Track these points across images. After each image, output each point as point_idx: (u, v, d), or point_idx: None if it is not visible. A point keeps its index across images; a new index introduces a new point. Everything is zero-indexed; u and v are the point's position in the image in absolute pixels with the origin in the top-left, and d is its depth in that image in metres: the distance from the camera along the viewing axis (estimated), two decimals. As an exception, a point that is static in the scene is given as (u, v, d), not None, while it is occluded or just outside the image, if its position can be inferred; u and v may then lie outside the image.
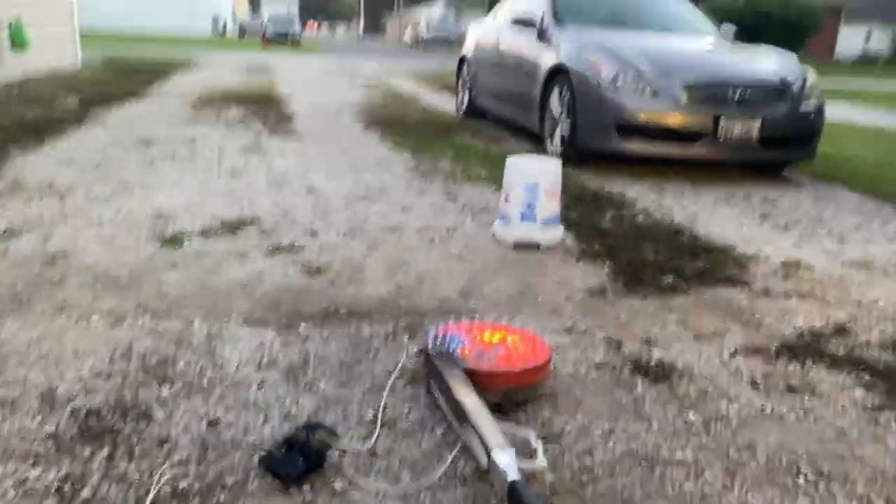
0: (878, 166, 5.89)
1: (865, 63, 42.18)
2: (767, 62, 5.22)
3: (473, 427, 1.54)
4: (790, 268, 3.13)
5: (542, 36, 5.89)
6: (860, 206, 4.42)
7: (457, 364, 1.80)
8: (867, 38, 52.10)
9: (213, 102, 7.85)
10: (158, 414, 1.73)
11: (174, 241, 3.03)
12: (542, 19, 5.98)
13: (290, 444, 1.52)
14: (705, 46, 5.71)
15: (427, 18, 47.98)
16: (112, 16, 31.48)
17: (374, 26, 71.93)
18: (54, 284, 2.51)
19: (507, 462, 1.40)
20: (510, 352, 1.91)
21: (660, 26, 6.13)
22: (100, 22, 26.36)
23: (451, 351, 1.86)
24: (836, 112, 7.76)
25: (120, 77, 10.33)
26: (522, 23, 6.18)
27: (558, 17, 5.96)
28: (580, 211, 3.81)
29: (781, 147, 4.87)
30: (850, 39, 48.50)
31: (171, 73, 11.64)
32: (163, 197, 3.72)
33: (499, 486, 1.40)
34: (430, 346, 1.90)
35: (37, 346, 2.03)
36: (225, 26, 47.47)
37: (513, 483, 1.34)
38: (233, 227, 3.25)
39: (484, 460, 1.49)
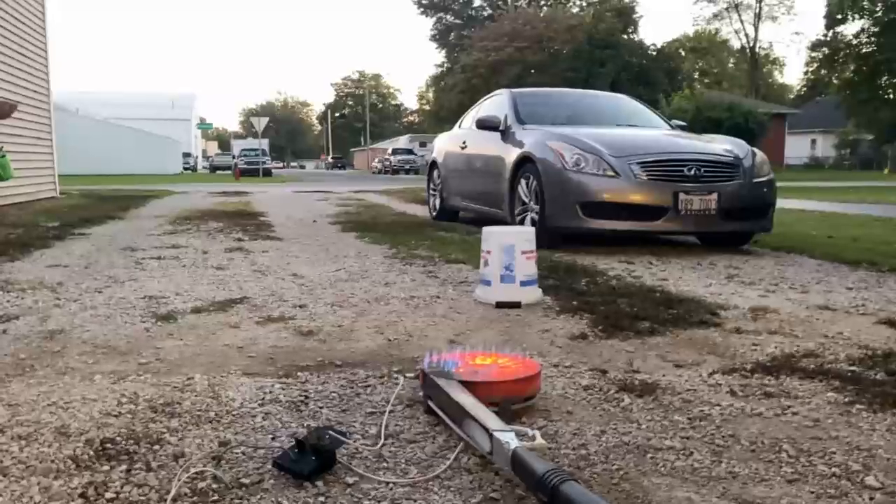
0: (831, 238, 6.23)
1: (814, 167, 44.26)
2: (719, 143, 5.62)
3: (473, 418, 1.64)
4: (758, 312, 3.30)
5: (505, 136, 6.28)
6: (819, 267, 4.67)
7: (453, 377, 1.90)
8: (812, 145, 55.01)
9: (192, 219, 8.07)
10: (171, 438, 1.79)
11: (168, 317, 3.12)
12: (506, 120, 6.40)
13: (302, 444, 1.60)
14: (660, 134, 6.12)
15: (394, 149, 49.92)
16: (85, 161, 32.14)
17: (341, 160, 74.23)
18: (55, 354, 2.58)
19: (509, 436, 1.49)
20: (502, 368, 2.03)
21: (615, 123, 6.57)
22: (71, 166, 26.87)
23: (446, 370, 1.97)
24: (788, 203, 8.20)
25: (98, 203, 10.57)
26: (487, 126, 6.58)
27: (520, 118, 6.39)
28: (556, 278, 4.00)
29: (740, 219, 5.17)
30: (798, 146, 51.14)
31: (147, 200, 11.93)
32: (153, 286, 3.83)
33: (502, 460, 1.49)
34: (426, 367, 2.01)
35: (46, 397, 2.09)
36: (196, 163, 48.67)
37: (515, 449, 1.44)
38: (223, 306, 3.36)
39: (486, 445, 1.58)
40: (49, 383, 2.24)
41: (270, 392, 2.17)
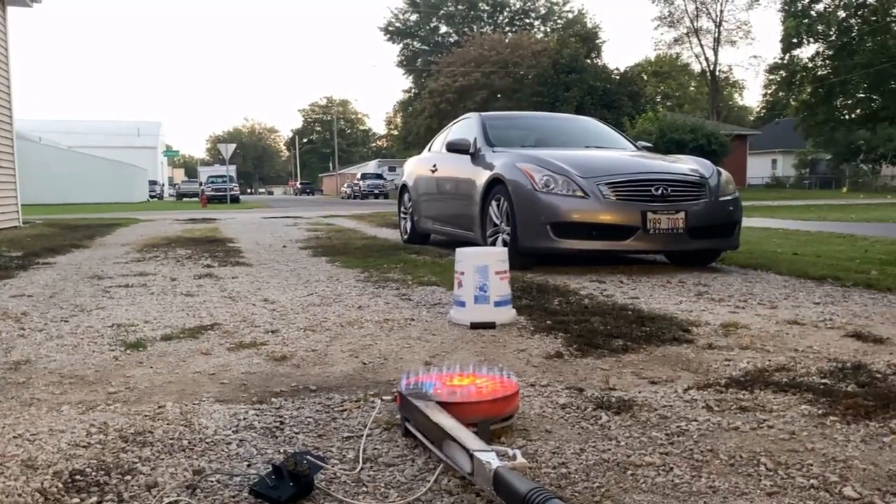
0: (796, 255, 6.34)
1: (775, 187, 45.26)
2: (684, 163, 5.71)
3: (453, 439, 1.62)
4: (729, 328, 3.33)
5: (475, 158, 6.32)
6: (785, 283, 4.75)
7: (431, 398, 1.89)
8: (773, 165, 56.28)
9: (160, 247, 7.97)
10: (143, 468, 1.75)
11: (137, 345, 3.06)
12: (475, 143, 6.43)
13: (280, 471, 1.57)
14: (627, 155, 6.20)
15: (363, 173, 50.02)
16: (49, 190, 31.61)
17: (310, 186, 74.08)
18: (20, 385, 2.50)
19: (490, 456, 1.48)
20: (480, 388, 2.02)
21: (582, 145, 6.65)
22: (34, 195, 26.41)
23: (424, 392, 1.96)
24: (753, 222, 8.35)
25: (63, 233, 10.38)
26: (457, 149, 6.61)
27: (489, 141, 6.43)
28: (529, 298, 4.01)
29: (707, 237, 5.24)
30: (759, 166, 52.32)
31: (113, 228, 11.76)
32: (121, 314, 3.76)
33: (484, 480, 1.48)
34: (403, 389, 1.99)
35: (11, 429, 2.03)
36: (162, 190, 48.18)
37: (497, 469, 1.43)
38: (194, 333, 3.31)
39: (467, 466, 1.56)
40: (14, 415, 2.18)
41: (244, 419, 2.13)
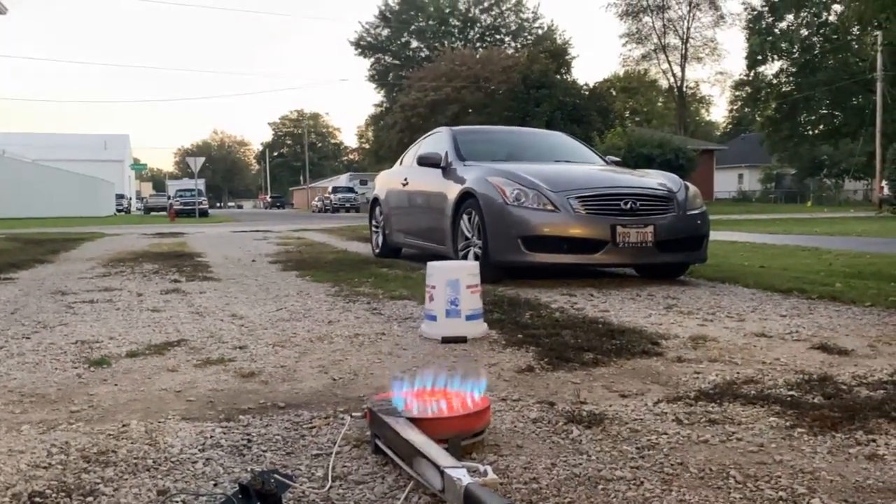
0: (762, 268, 6.44)
1: (742, 201, 46.02)
2: (653, 177, 5.77)
3: (424, 456, 1.60)
4: (698, 340, 3.36)
5: (446, 172, 6.32)
6: (752, 296, 4.81)
7: (401, 414, 1.87)
8: (739, 179, 57.28)
9: (126, 261, 7.84)
10: (106, 489, 1.70)
11: (101, 362, 3.00)
12: (447, 157, 6.44)
13: (247, 490, 1.54)
14: (596, 169, 6.25)
15: (334, 187, 49.91)
16: (12, 204, 31.01)
17: (280, 199, 73.67)
18: (-22, 404, 2.44)
19: (461, 473, 1.47)
20: (450, 403, 2.00)
21: (552, 159, 6.69)
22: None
23: (394, 408, 1.94)
24: (720, 236, 8.46)
25: (26, 247, 10.18)
26: (428, 163, 6.61)
27: (461, 155, 6.45)
28: (500, 312, 4.01)
29: (676, 250, 5.29)
30: (726, 180, 53.18)
31: (79, 243, 11.56)
32: (85, 330, 3.69)
33: (455, 498, 1.46)
34: (373, 406, 1.97)
35: (-33, 450, 1.97)
36: (129, 204, 47.52)
37: (468, 486, 1.41)
38: (160, 349, 3.25)
39: (438, 483, 1.54)
40: (-29, 436, 2.11)
41: (211, 437, 2.09)
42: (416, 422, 1.83)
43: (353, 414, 2.13)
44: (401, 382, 2.08)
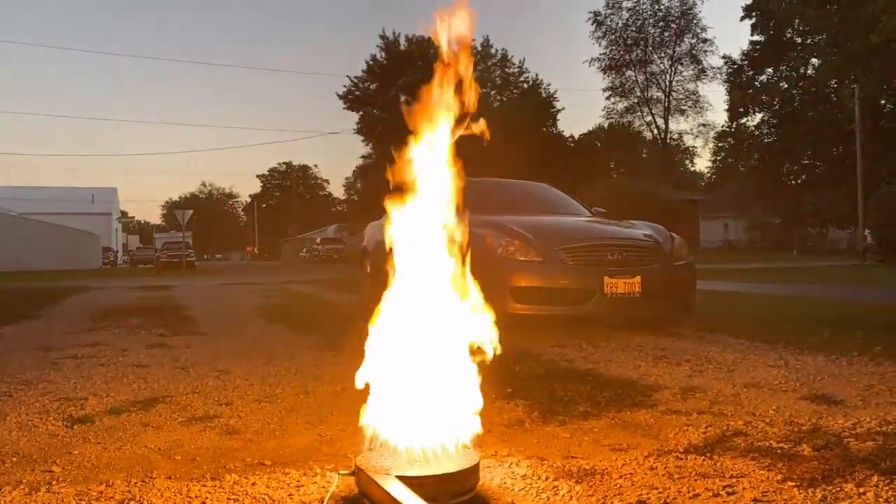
0: (750, 318, 6.47)
1: (728, 250, 46.42)
2: (639, 228, 5.82)
3: (414, 515, 1.58)
4: (688, 392, 3.35)
5: (435, 224, 6.35)
6: (741, 346, 4.81)
7: (390, 472, 1.84)
8: (725, 229, 57.84)
9: (112, 315, 7.78)
10: (85, 553, 1.66)
11: (84, 419, 2.95)
12: (434, 209, 6.48)
13: (231, 553, 1.50)
14: (583, 220, 6.30)
15: (322, 238, 50.19)
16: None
17: (269, 250, 73.64)
18: (-43, 465, 2.38)
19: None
20: (440, 461, 1.98)
21: (539, 211, 6.74)
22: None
23: (383, 465, 1.91)
24: (707, 286, 8.52)
25: (12, 301, 10.08)
26: (416, 215, 6.63)
27: (448, 206, 6.48)
28: (489, 362, 3.98)
29: (663, 301, 5.31)
30: (712, 230, 53.67)
31: (64, 297, 11.45)
32: (68, 387, 3.63)
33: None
34: (361, 464, 1.94)
35: (-56, 514, 1.92)
36: (116, 256, 47.31)
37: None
38: (145, 405, 3.21)
39: (427, 543, 1.52)
40: (-51, 498, 2.06)
41: (197, 496, 2.05)
42: (405, 480, 1.81)
43: (342, 472, 2.10)
44: (390, 438, 2.06)
